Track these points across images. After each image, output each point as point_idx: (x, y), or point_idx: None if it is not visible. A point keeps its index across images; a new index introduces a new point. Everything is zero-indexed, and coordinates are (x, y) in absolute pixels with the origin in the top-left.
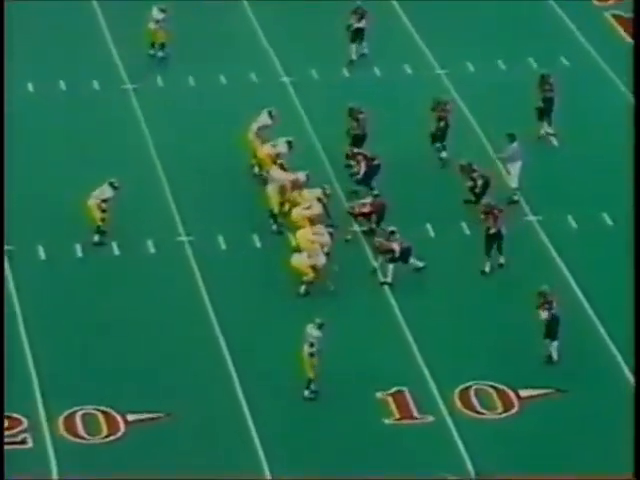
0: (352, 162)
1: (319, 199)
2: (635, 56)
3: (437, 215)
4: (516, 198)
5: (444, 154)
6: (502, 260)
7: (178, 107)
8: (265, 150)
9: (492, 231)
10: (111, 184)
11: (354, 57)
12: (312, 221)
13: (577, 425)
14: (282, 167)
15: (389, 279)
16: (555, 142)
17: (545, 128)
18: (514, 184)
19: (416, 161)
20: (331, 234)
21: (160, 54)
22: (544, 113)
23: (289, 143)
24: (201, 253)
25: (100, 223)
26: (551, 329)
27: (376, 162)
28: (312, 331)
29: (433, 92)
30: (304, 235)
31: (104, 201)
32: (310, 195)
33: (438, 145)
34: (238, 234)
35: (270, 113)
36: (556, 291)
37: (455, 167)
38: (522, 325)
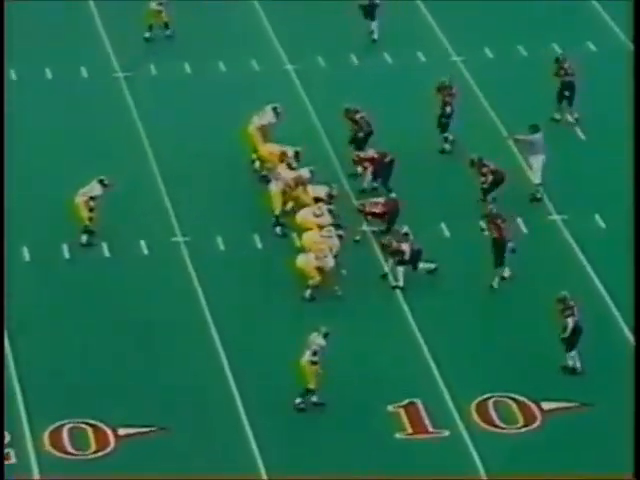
0: (359, 168)
1: (330, 210)
2: (636, 56)
3: (452, 213)
4: (539, 196)
5: (447, 146)
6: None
7: (173, 97)
8: (269, 148)
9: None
10: (101, 181)
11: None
12: (321, 227)
13: (604, 440)
14: (289, 166)
15: (401, 283)
16: (581, 134)
17: (566, 117)
18: (537, 180)
19: (429, 155)
20: (340, 236)
21: (167, 32)
22: (563, 98)
23: (297, 153)
24: (198, 255)
25: (88, 222)
26: (572, 338)
27: (387, 159)
28: (317, 339)
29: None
30: (311, 237)
31: (92, 199)
32: (315, 193)
33: (446, 135)
34: (238, 234)
35: (275, 109)
36: (581, 297)
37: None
38: (545, 332)
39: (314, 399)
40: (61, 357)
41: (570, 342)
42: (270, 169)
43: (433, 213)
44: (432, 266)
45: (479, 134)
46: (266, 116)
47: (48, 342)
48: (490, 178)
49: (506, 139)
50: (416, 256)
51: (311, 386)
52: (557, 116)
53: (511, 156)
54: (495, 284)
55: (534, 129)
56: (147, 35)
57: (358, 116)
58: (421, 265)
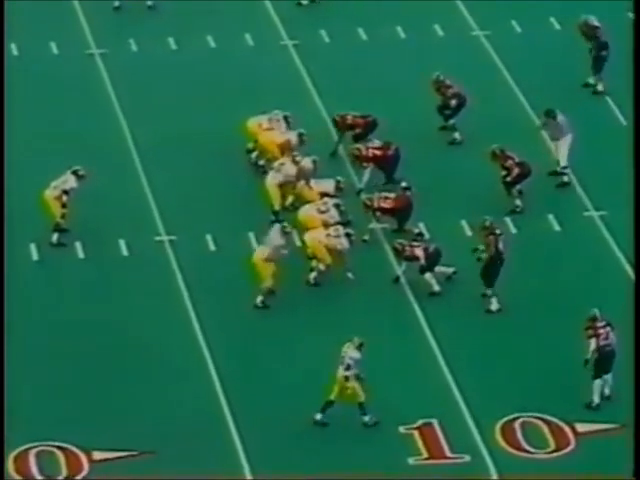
0: (364, 165)
1: (337, 205)
2: (635, 53)
3: (475, 210)
4: (566, 179)
5: (457, 135)
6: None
7: (156, 76)
8: (271, 135)
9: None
10: (75, 172)
11: None
12: (326, 225)
13: None
14: (294, 160)
15: (436, 288)
16: (622, 119)
17: (596, 82)
18: (563, 162)
19: (447, 143)
20: (348, 235)
21: (149, 2)
22: (602, 64)
23: (300, 135)
24: (185, 256)
25: (60, 219)
26: (597, 363)
27: (390, 152)
28: (350, 352)
29: (469, 59)
30: (316, 236)
31: (65, 193)
32: (321, 187)
33: (452, 123)
34: (231, 233)
35: (286, 118)
36: (621, 305)
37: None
38: (579, 345)
39: (317, 417)
40: (25, 371)
41: (595, 368)
42: (270, 160)
43: (453, 209)
44: (450, 271)
45: (505, 120)
46: (278, 125)
47: (10, 354)
48: (516, 171)
49: (538, 129)
50: (435, 258)
51: (361, 400)
52: (600, 87)
53: (541, 144)
54: (494, 307)
55: (551, 114)
56: (117, 4)
57: (349, 120)
58: (436, 269)
